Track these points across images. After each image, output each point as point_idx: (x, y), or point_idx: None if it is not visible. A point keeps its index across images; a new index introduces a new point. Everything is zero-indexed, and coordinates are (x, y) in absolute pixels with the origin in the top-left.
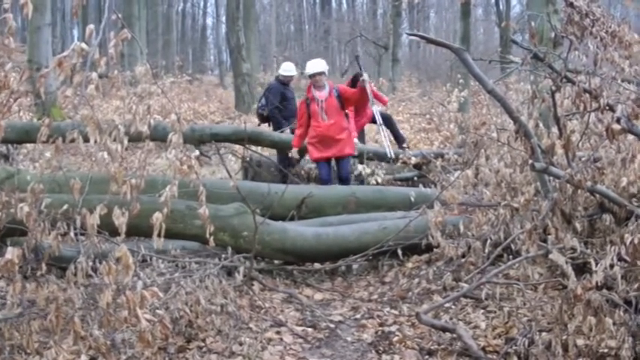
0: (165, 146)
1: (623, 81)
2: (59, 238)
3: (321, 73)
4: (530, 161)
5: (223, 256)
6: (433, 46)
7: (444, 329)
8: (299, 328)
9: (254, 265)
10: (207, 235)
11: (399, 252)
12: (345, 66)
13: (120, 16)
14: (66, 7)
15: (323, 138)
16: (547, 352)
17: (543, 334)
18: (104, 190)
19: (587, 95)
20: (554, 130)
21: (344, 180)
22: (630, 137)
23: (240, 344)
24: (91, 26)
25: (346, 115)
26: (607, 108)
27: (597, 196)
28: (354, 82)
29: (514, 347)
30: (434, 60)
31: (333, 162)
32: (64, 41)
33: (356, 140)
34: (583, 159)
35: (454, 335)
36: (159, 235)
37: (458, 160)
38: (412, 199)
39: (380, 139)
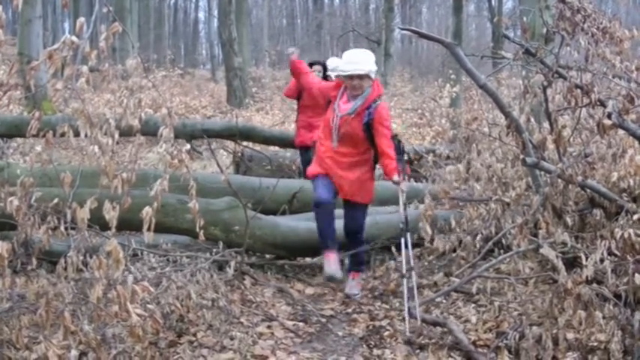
0: (156, 140)
1: (614, 77)
2: (49, 232)
3: (362, 77)
4: (521, 156)
5: (214, 250)
6: (425, 42)
7: (435, 323)
8: (290, 323)
9: (245, 260)
10: (198, 229)
11: (393, 248)
12: None
13: (111, 9)
14: None
15: (325, 161)
16: (537, 346)
17: (534, 328)
18: (95, 184)
19: (579, 91)
20: (546, 125)
21: (353, 233)
22: (621, 132)
23: (232, 339)
24: (82, 19)
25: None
26: (598, 103)
27: (588, 191)
28: None
29: (505, 341)
30: (426, 55)
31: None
32: (55, 34)
33: None
34: (574, 154)
35: (445, 329)
36: (149, 230)
37: (449, 155)
38: None
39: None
